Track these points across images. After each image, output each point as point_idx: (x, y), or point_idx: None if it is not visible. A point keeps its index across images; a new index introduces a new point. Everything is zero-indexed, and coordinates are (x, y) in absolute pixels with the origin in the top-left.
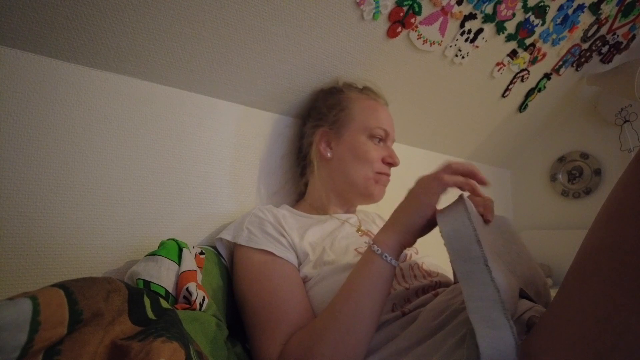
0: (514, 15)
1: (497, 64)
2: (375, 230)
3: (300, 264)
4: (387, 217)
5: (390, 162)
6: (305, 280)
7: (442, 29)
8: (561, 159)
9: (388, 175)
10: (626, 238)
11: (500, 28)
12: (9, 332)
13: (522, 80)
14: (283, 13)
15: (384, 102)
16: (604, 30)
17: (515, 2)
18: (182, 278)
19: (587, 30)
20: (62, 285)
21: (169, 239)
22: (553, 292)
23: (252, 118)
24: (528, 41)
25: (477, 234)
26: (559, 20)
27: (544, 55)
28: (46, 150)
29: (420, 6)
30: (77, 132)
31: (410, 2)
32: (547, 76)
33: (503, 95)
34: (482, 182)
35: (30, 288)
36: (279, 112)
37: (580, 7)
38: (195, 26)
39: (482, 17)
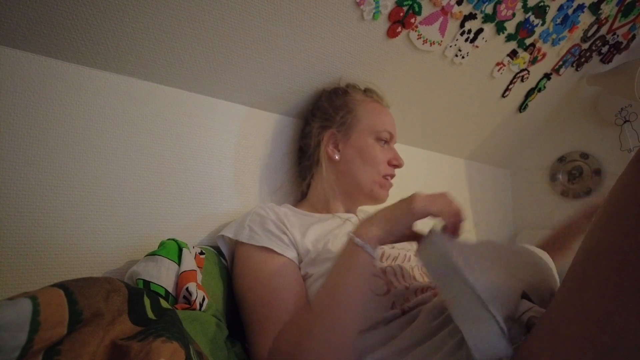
0: (514, 15)
1: (497, 64)
2: None
3: (301, 261)
4: None
5: (396, 164)
6: (305, 277)
7: (442, 29)
8: (561, 159)
9: (393, 176)
10: (625, 238)
11: (500, 28)
12: (9, 332)
13: (522, 80)
14: (283, 13)
15: (387, 103)
16: (604, 30)
17: (515, 2)
18: (182, 278)
19: (587, 30)
20: (62, 285)
21: (168, 239)
22: None
23: (252, 118)
24: (528, 41)
25: (447, 250)
26: (559, 20)
27: (544, 55)
28: (46, 150)
29: (420, 6)
30: (77, 132)
31: (410, 2)
32: (547, 76)
33: (503, 95)
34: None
35: (30, 288)
36: (279, 112)
37: (580, 7)
38: (195, 26)
39: (482, 17)
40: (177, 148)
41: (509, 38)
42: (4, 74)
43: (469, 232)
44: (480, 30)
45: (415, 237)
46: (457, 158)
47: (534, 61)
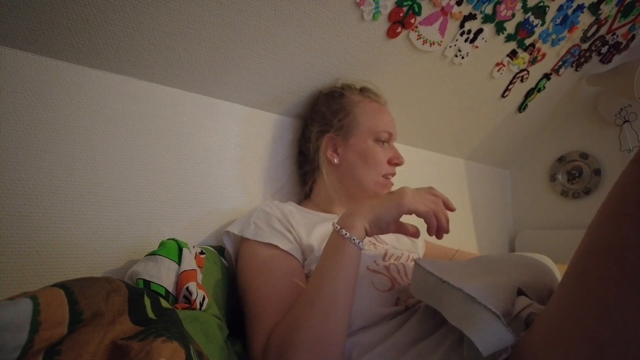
0: (513, 15)
1: (497, 64)
2: None
3: (305, 259)
4: None
5: (397, 162)
6: (309, 275)
7: (442, 29)
8: (561, 159)
9: (394, 175)
10: (624, 236)
11: (499, 28)
12: (9, 331)
13: (521, 81)
14: (283, 13)
15: (384, 101)
16: (603, 30)
17: (514, 3)
18: (182, 278)
19: (586, 31)
20: (62, 285)
21: (169, 239)
22: None
23: (252, 118)
24: (528, 41)
25: (428, 270)
26: (558, 21)
27: (543, 55)
28: (46, 150)
29: (420, 6)
30: (78, 132)
31: (410, 3)
32: (546, 76)
33: (503, 96)
34: (450, 209)
35: (30, 288)
36: (279, 112)
37: (580, 8)
38: (195, 26)
39: (482, 18)
40: (177, 148)
41: (509, 38)
42: (4, 74)
43: (467, 232)
44: (480, 31)
45: (401, 230)
46: (457, 158)
47: (533, 61)
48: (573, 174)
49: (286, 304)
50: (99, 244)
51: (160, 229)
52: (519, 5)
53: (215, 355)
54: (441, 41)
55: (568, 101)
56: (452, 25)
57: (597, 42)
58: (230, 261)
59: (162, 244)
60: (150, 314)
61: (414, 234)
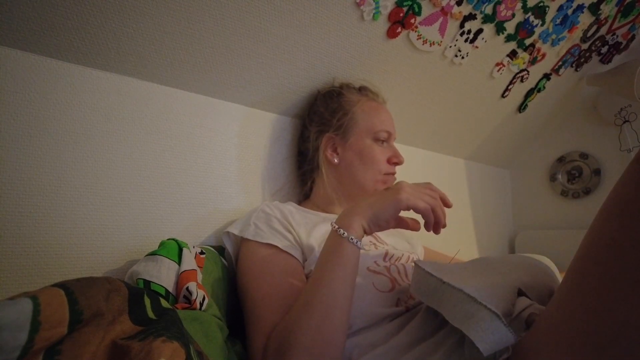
0: (513, 15)
1: (497, 64)
2: None
3: (305, 259)
4: None
5: (396, 161)
6: (309, 275)
7: (442, 30)
8: (561, 159)
9: (394, 174)
10: (626, 234)
11: (499, 28)
12: (10, 331)
13: (521, 81)
14: (283, 13)
15: (382, 100)
16: (603, 30)
17: (514, 3)
18: (182, 277)
19: (586, 31)
20: (62, 285)
21: (169, 239)
22: None
23: (253, 118)
24: (528, 41)
25: (428, 271)
26: (558, 21)
27: (543, 55)
28: (46, 150)
29: (420, 6)
30: (78, 132)
31: (410, 3)
32: (546, 76)
33: (503, 96)
34: (447, 205)
35: (30, 288)
36: (279, 112)
37: (580, 8)
38: (195, 26)
39: (482, 18)
40: (178, 148)
41: (509, 38)
42: (4, 74)
43: (467, 232)
44: (480, 31)
45: (401, 224)
46: (457, 158)
47: (533, 61)
48: (573, 174)
49: (286, 305)
50: (99, 244)
51: (160, 229)
52: (519, 5)
53: (215, 355)
54: (441, 41)
55: (568, 101)
56: (452, 26)
57: (597, 42)
58: (230, 261)
59: (162, 244)
60: (151, 314)
61: (414, 227)
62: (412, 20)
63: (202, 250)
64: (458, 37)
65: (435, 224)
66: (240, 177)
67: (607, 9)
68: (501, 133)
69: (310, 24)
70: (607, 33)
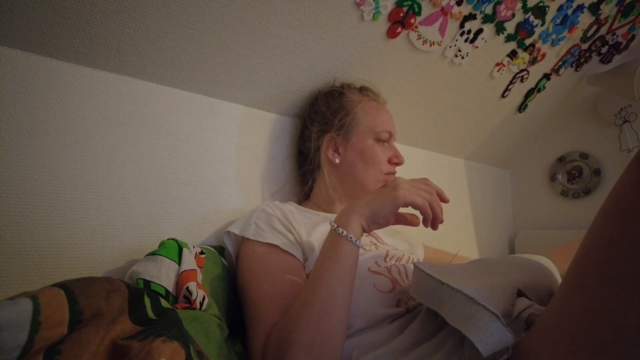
0: (513, 15)
1: (497, 64)
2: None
3: (306, 259)
4: None
5: (397, 161)
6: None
7: (442, 30)
8: (561, 159)
9: (394, 174)
10: (625, 234)
11: (499, 28)
12: (10, 331)
13: (521, 81)
14: (283, 13)
15: (383, 100)
16: (603, 30)
17: (514, 3)
18: (182, 277)
19: (586, 31)
20: (62, 285)
21: (169, 239)
22: None
23: (253, 118)
24: (528, 41)
25: (427, 272)
26: (558, 21)
27: (543, 55)
28: (46, 150)
29: (420, 6)
30: (78, 132)
31: (410, 3)
32: (546, 76)
33: (503, 96)
34: (444, 201)
35: (30, 288)
36: (279, 112)
37: (580, 8)
38: (195, 26)
39: (482, 18)
40: (178, 148)
41: (509, 38)
42: (4, 74)
43: (467, 232)
44: (480, 31)
45: (400, 220)
46: (457, 158)
47: (533, 61)
48: (573, 174)
49: (286, 304)
50: (99, 244)
51: (160, 229)
52: (519, 5)
53: (215, 355)
54: (441, 41)
55: (568, 101)
56: (452, 26)
57: (597, 42)
58: (231, 261)
59: (162, 244)
60: (151, 314)
61: (414, 222)
62: (412, 20)
63: (202, 250)
64: (458, 37)
65: (433, 220)
66: (240, 177)
67: (607, 9)
68: (501, 133)
69: (310, 24)
70: (607, 33)
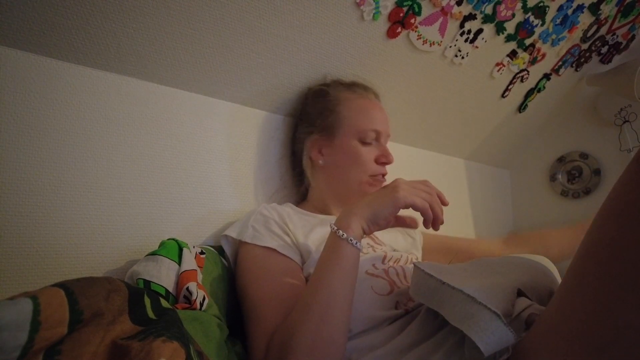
0: (513, 15)
1: (497, 64)
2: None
3: (304, 262)
4: None
5: (385, 161)
6: (308, 278)
7: (442, 30)
8: (561, 159)
9: (384, 174)
10: (625, 234)
11: (499, 28)
12: (10, 331)
13: (521, 81)
14: (283, 13)
15: (374, 95)
16: (603, 30)
17: (514, 3)
18: (182, 278)
19: (586, 31)
20: (62, 285)
21: (169, 239)
22: None
23: (253, 118)
24: (528, 41)
25: (427, 272)
26: (558, 21)
27: (543, 55)
28: (46, 150)
29: (420, 7)
30: (77, 132)
31: (410, 3)
32: (546, 76)
33: (503, 96)
34: (444, 204)
35: (30, 288)
36: (280, 112)
37: (580, 8)
38: (195, 26)
39: (482, 18)
40: (178, 148)
41: (509, 38)
42: (4, 74)
43: (467, 232)
44: (480, 31)
45: (400, 223)
46: (457, 158)
47: (533, 61)
48: (573, 174)
49: (286, 306)
50: (99, 244)
51: (160, 229)
52: (519, 5)
53: (215, 355)
54: (441, 41)
55: (568, 101)
56: (452, 26)
57: (597, 42)
58: (230, 262)
59: (162, 244)
60: (151, 314)
61: (413, 225)
62: (412, 20)
63: (202, 250)
64: (458, 37)
65: (433, 221)
66: (240, 177)
67: (607, 9)
68: (501, 133)
69: (310, 24)
70: (607, 33)
